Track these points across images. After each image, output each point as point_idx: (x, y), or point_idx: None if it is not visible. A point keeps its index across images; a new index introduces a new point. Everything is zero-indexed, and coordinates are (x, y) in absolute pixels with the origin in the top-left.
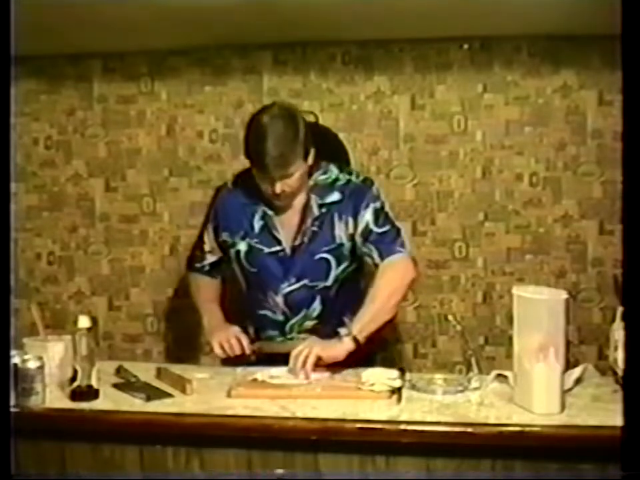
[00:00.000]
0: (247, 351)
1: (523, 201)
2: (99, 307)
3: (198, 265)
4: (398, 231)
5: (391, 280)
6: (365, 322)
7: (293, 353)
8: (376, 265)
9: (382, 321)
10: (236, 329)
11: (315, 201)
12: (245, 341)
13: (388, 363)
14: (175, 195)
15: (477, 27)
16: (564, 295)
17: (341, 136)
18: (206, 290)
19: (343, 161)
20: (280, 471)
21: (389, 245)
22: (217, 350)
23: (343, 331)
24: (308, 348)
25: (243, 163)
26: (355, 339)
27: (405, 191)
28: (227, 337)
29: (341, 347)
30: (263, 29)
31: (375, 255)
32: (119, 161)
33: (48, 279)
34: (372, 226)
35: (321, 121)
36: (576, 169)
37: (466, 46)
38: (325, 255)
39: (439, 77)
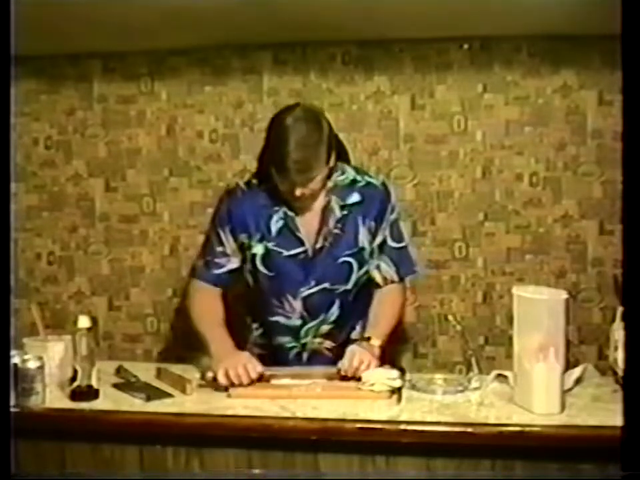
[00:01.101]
0: (254, 379)
1: (522, 200)
2: (99, 307)
3: (217, 272)
4: (410, 247)
5: (398, 303)
6: (383, 332)
7: (350, 357)
8: (386, 281)
9: (391, 334)
10: (245, 356)
11: (336, 203)
12: (253, 370)
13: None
14: (175, 195)
15: (477, 27)
16: (564, 295)
17: (341, 136)
18: (214, 310)
19: (343, 161)
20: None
21: (406, 263)
22: (221, 378)
23: (373, 341)
24: (366, 360)
25: (243, 162)
26: (380, 348)
27: (405, 191)
28: (234, 366)
29: (375, 358)
30: (263, 29)
31: (392, 271)
32: (119, 161)
33: (48, 279)
34: (389, 240)
35: None
36: (576, 168)
37: (466, 46)
38: (347, 259)
39: (439, 76)
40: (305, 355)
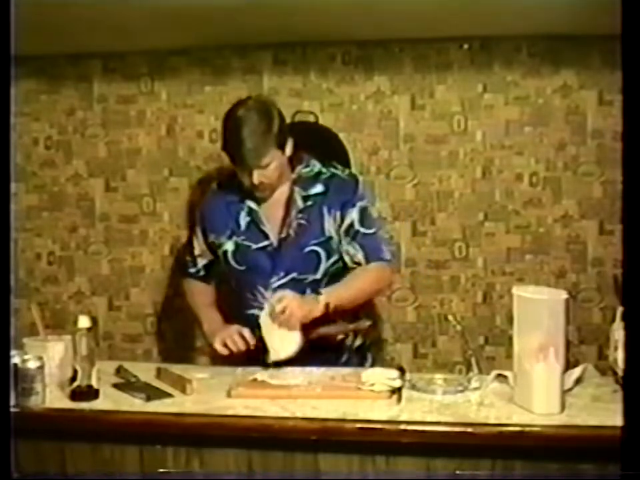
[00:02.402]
0: (251, 344)
1: (523, 200)
2: (99, 307)
3: (191, 271)
4: (381, 234)
5: (370, 280)
6: (339, 293)
7: (274, 298)
8: (356, 264)
9: (349, 304)
10: (237, 327)
11: (298, 193)
12: (248, 335)
13: (388, 363)
14: (174, 195)
15: (477, 27)
16: (564, 295)
17: (341, 136)
18: (201, 295)
19: (342, 161)
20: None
21: (375, 249)
22: (219, 348)
23: (322, 297)
24: (288, 300)
25: None
26: (326, 305)
27: (405, 191)
28: (229, 334)
29: (314, 307)
30: (263, 29)
31: (360, 255)
32: (119, 161)
33: (48, 279)
34: (357, 225)
35: (321, 121)
36: (576, 168)
37: (466, 46)
38: (314, 248)
39: (439, 76)
40: None
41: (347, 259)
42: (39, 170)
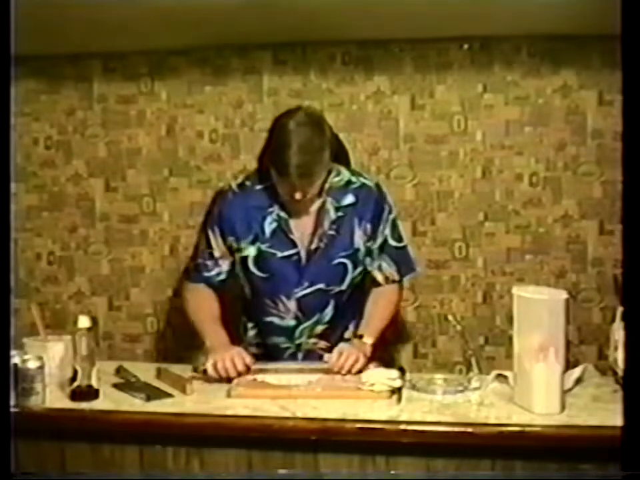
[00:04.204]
0: (242, 373)
1: (522, 201)
2: (99, 307)
3: (207, 274)
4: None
5: (394, 302)
6: (377, 328)
7: (338, 352)
8: (388, 280)
9: (383, 332)
10: (236, 350)
11: (331, 204)
12: (240, 363)
13: (388, 363)
14: (175, 195)
15: (477, 27)
16: (564, 294)
17: (341, 136)
18: (208, 306)
19: (343, 161)
20: (282, 471)
21: (408, 262)
22: (210, 369)
23: (365, 339)
24: (354, 355)
25: (243, 162)
26: (372, 346)
27: (405, 190)
28: (222, 358)
29: (365, 356)
30: (263, 29)
31: (393, 270)
32: (119, 161)
33: (48, 279)
34: (391, 240)
35: None
36: (576, 168)
37: (466, 46)
38: (342, 260)
39: (439, 76)
40: (299, 355)
41: (377, 274)
42: (39, 170)
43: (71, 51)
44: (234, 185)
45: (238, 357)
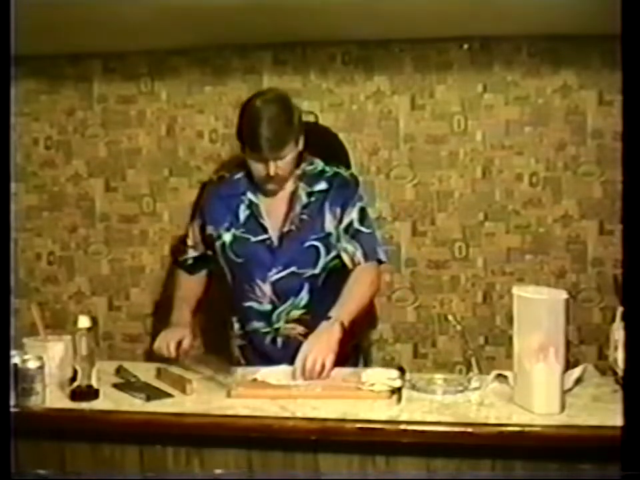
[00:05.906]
0: (178, 358)
1: (522, 201)
2: (99, 306)
3: (180, 259)
4: (378, 234)
5: (368, 284)
6: (347, 307)
7: (302, 360)
8: (354, 263)
9: (358, 313)
10: (184, 333)
11: (303, 189)
12: (174, 348)
13: (388, 363)
14: (174, 195)
15: (477, 27)
16: (564, 295)
17: (341, 136)
18: (183, 287)
19: (342, 161)
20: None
21: (374, 249)
22: (155, 346)
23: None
24: (319, 356)
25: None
26: (342, 324)
27: (405, 191)
28: (164, 337)
29: (334, 338)
30: (263, 29)
31: (359, 253)
32: (119, 161)
33: (48, 279)
34: (357, 224)
35: (320, 121)
36: (576, 169)
37: (466, 46)
38: (314, 243)
39: (439, 76)
40: (279, 341)
41: (345, 257)
42: (39, 170)
43: (71, 50)
44: (214, 177)
45: (173, 341)
